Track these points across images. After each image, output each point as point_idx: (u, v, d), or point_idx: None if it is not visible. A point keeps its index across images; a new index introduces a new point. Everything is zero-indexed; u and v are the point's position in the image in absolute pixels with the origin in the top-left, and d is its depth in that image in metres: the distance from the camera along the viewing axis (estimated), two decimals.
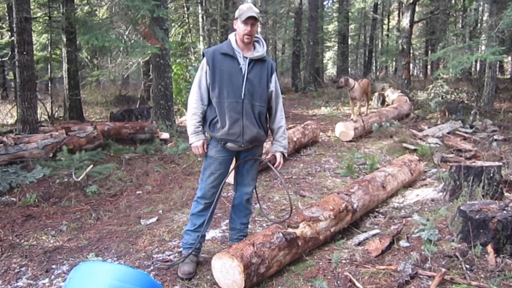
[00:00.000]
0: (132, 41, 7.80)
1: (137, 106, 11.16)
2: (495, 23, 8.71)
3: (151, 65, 8.68)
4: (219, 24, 14.53)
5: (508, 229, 2.79)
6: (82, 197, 4.66)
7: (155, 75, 8.13)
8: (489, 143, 6.88)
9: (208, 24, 13.58)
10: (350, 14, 21.17)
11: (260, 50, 2.88)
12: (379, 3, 21.43)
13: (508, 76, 17.96)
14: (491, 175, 3.86)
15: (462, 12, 17.45)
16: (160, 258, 3.23)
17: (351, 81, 8.66)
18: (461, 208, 3.07)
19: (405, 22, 13.33)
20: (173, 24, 14.85)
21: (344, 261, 2.95)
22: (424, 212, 3.82)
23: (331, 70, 32.93)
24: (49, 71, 10.73)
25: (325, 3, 25.61)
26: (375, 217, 4.05)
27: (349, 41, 23.79)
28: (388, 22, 26.20)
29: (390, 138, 7.77)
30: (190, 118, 2.89)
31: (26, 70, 6.22)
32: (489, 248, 2.80)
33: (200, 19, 14.28)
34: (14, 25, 6.25)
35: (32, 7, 8.73)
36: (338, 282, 2.70)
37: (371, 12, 22.46)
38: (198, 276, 2.90)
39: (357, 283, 2.62)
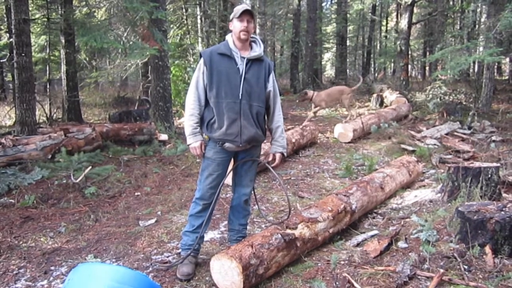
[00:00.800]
0: (131, 42, 7.79)
1: (136, 108, 11.16)
2: (493, 25, 8.74)
3: (149, 67, 8.67)
4: (218, 25, 14.54)
5: (506, 230, 2.79)
6: (81, 199, 4.65)
7: (153, 77, 8.13)
8: (487, 144, 6.90)
9: (206, 25, 13.58)
10: (348, 15, 21.22)
11: (257, 50, 2.89)
12: (377, 4, 21.50)
13: (506, 77, 17.99)
14: (489, 176, 3.87)
15: (460, 13, 17.49)
16: (159, 260, 3.23)
17: (309, 93, 9.30)
18: (459, 209, 3.08)
19: (403, 23, 13.38)
20: (171, 26, 14.84)
21: (342, 262, 2.95)
22: (422, 213, 3.83)
23: (329, 71, 32.94)
24: (47, 72, 10.72)
25: (323, 4, 25.66)
26: (374, 218, 4.05)
27: (348, 43, 23.83)
28: (387, 23, 26.27)
29: (388, 139, 7.79)
30: (187, 119, 2.89)
31: (25, 71, 6.21)
32: (487, 248, 2.81)
33: (199, 21, 14.29)
34: (12, 27, 6.25)
35: (30, 8, 8.73)
36: (337, 283, 2.70)
37: (370, 14, 22.50)
38: (197, 277, 2.90)
39: (355, 284, 2.63)
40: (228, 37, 2.91)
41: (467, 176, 3.90)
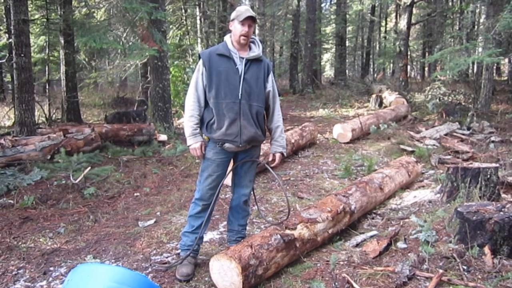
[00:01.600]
0: (130, 43, 7.81)
1: (135, 108, 11.15)
2: (492, 25, 8.75)
3: (149, 67, 8.67)
4: (217, 26, 14.54)
5: (505, 230, 2.80)
6: (80, 199, 4.65)
7: (153, 77, 8.13)
8: (486, 145, 6.90)
9: (206, 26, 13.59)
10: (347, 16, 21.24)
11: (256, 50, 2.89)
12: (376, 5, 21.54)
13: (505, 78, 18.01)
14: (488, 176, 3.87)
15: (459, 14, 17.51)
16: (158, 260, 3.23)
17: None
18: (458, 209, 3.08)
19: (403, 24, 13.40)
20: (171, 26, 14.85)
21: (342, 263, 2.95)
22: (421, 214, 3.83)
23: (329, 72, 32.99)
24: (47, 73, 10.69)
25: (322, 5, 25.69)
26: (373, 218, 4.05)
27: (347, 43, 23.84)
28: (386, 24, 26.31)
29: (387, 139, 7.79)
30: (187, 120, 2.89)
31: (24, 72, 6.21)
32: (486, 249, 2.81)
33: (198, 21, 14.30)
34: (11, 27, 6.25)
35: (29, 9, 8.74)
36: (336, 283, 2.70)
37: (369, 14, 22.54)
38: (196, 278, 2.90)
39: (355, 285, 2.63)
40: (227, 38, 2.91)
41: (466, 177, 3.91)
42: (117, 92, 15.06)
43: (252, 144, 2.94)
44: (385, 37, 24.66)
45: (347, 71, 23.60)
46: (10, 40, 7.19)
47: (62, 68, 9.13)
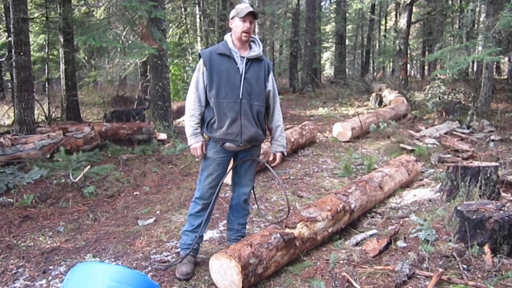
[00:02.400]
0: (130, 41, 7.80)
1: (134, 107, 11.15)
2: (492, 24, 8.75)
3: (148, 66, 8.67)
4: (217, 24, 14.51)
5: (505, 229, 2.80)
6: (80, 198, 4.65)
7: (152, 76, 8.12)
8: (486, 144, 6.90)
9: (205, 24, 13.57)
10: (347, 14, 21.22)
11: (257, 50, 2.89)
12: (376, 3, 21.52)
13: (505, 77, 18.00)
14: (488, 175, 3.87)
15: (459, 13, 17.50)
16: (158, 259, 3.23)
17: None
18: (458, 208, 3.08)
19: (403, 23, 13.39)
20: (170, 25, 14.84)
21: (341, 262, 2.95)
22: (421, 213, 3.83)
23: (328, 70, 32.97)
24: (46, 71, 10.70)
25: (322, 3, 25.66)
26: (373, 217, 4.05)
27: (347, 42, 23.82)
28: (386, 22, 26.30)
29: (387, 138, 7.79)
30: (188, 120, 2.88)
31: (23, 71, 6.20)
32: (486, 248, 2.81)
33: (198, 20, 14.28)
34: (11, 26, 6.23)
35: (29, 7, 8.71)
36: (336, 282, 2.70)
37: (369, 13, 22.53)
38: (195, 277, 2.90)
39: (354, 283, 2.63)
40: (227, 37, 2.90)
41: (466, 176, 3.91)
42: (116, 91, 15.06)
43: (252, 144, 2.94)
44: (385, 36, 24.66)
45: (347, 69, 23.59)
46: (10, 38, 7.17)
47: (62, 67, 9.13)
